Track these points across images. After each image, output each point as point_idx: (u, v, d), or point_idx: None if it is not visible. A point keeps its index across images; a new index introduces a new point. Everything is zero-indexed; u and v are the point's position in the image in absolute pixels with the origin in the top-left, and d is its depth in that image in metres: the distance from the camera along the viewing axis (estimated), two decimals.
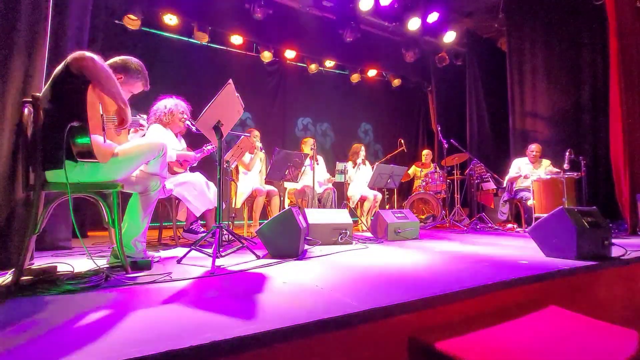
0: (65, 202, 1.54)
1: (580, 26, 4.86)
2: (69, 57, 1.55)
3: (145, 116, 2.16)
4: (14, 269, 1.43)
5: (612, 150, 3.87)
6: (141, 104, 4.55)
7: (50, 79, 1.58)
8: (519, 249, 2.50)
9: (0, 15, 1.86)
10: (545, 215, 2.22)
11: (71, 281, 1.42)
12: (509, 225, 4.43)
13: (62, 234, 2.57)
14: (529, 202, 4.12)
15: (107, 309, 1.13)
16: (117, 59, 1.90)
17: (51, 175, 1.55)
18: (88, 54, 1.55)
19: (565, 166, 4.00)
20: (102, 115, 1.63)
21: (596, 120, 4.70)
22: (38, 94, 1.53)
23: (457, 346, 1.04)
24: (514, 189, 4.59)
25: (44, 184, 1.54)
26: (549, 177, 3.98)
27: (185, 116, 2.82)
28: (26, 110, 1.52)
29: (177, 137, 2.92)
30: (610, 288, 1.90)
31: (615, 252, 2.08)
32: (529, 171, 4.46)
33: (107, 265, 1.80)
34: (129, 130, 2.11)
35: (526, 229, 4.01)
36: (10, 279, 1.42)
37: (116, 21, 4.51)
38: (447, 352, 1.01)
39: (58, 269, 1.61)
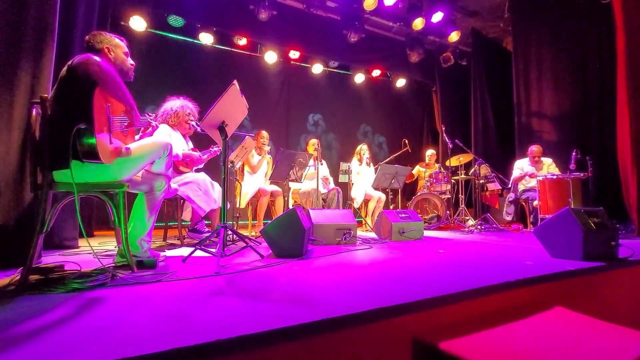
0: (73, 201, 1.56)
1: (586, 25, 4.81)
2: (75, 61, 1.57)
3: (153, 115, 2.18)
4: (22, 268, 1.45)
5: (620, 150, 3.82)
6: (150, 105, 4.60)
7: (57, 82, 1.61)
8: (525, 250, 2.48)
9: (7, 18, 1.89)
10: (551, 215, 2.20)
11: (78, 280, 1.44)
12: (514, 226, 4.40)
13: (70, 233, 2.60)
14: (535, 203, 4.09)
15: (113, 307, 1.14)
16: (89, 38, 1.82)
17: (58, 175, 1.57)
18: (93, 58, 1.58)
19: (572, 166, 3.96)
20: (109, 116, 1.65)
21: (603, 120, 4.65)
22: (46, 95, 1.56)
23: (461, 346, 1.04)
24: (519, 190, 4.56)
25: (52, 183, 1.56)
26: (554, 177, 3.95)
27: (192, 117, 2.84)
28: (34, 112, 1.55)
29: (184, 138, 2.94)
30: (617, 289, 1.88)
31: (622, 253, 2.06)
32: (531, 170, 4.44)
33: (114, 264, 1.82)
34: (138, 130, 2.13)
35: (532, 230, 3.98)
36: (18, 278, 1.44)
37: (122, 23, 4.56)
38: (451, 352, 1.01)
39: (65, 268, 1.63)
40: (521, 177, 4.52)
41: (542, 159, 4.54)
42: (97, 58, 1.59)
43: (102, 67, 1.57)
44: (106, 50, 1.84)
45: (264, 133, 4.13)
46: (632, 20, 3.60)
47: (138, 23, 4.56)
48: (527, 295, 1.50)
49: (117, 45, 1.89)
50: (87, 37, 1.85)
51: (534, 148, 4.52)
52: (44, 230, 1.53)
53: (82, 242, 2.72)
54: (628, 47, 3.60)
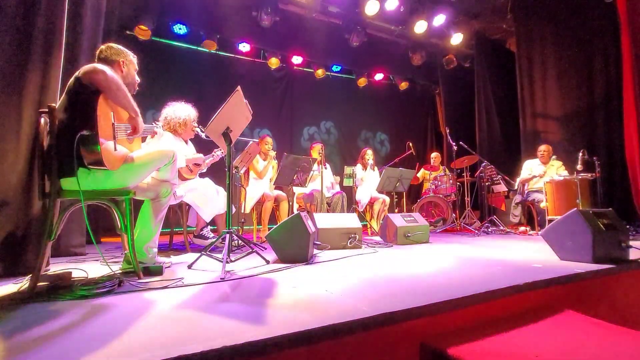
0: (79, 209, 1.57)
1: (590, 24, 4.77)
2: (81, 71, 1.60)
3: (160, 123, 2.20)
4: (31, 275, 1.47)
5: (628, 150, 3.77)
6: (153, 112, 4.66)
7: (65, 91, 1.63)
8: (533, 252, 2.45)
9: (17, 29, 1.93)
10: (559, 217, 2.17)
11: (85, 286, 1.45)
12: (522, 228, 4.35)
13: (77, 241, 2.62)
14: (542, 204, 4.04)
15: (120, 314, 1.15)
16: (104, 49, 1.86)
17: (66, 183, 1.59)
18: (99, 66, 1.60)
19: (579, 167, 3.92)
20: (113, 123, 1.67)
21: (610, 119, 4.59)
22: (54, 105, 1.58)
23: (469, 352, 1.02)
24: (526, 191, 4.51)
25: (59, 191, 1.58)
26: (562, 178, 3.90)
27: (195, 123, 2.86)
28: (42, 121, 1.57)
29: (186, 143, 2.96)
30: (629, 292, 1.85)
31: (633, 254, 2.02)
32: (541, 172, 4.39)
33: (120, 271, 1.83)
34: (145, 137, 2.15)
35: (539, 232, 3.93)
36: (27, 285, 1.45)
37: (127, 32, 4.63)
38: (459, 358, 1.00)
39: (73, 275, 1.64)
40: (529, 179, 4.47)
41: (553, 161, 4.50)
42: (102, 67, 1.61)
43: (107, 75, 1.59)
44: (121, 63, 1.87)
45: (269, 139, 4.15)
46: (637, 17, 3.57)
47: (143, 31, 4.63)
48: (536, 299, 1.48)
49: (131, 62, 1.94)
50: (101, 47, 1.88)
51: (542, 147, 4.48)
52: (52, 237, 1.55)
53: (89, 249, 2.74)
54: (633, 46, 3.57)
